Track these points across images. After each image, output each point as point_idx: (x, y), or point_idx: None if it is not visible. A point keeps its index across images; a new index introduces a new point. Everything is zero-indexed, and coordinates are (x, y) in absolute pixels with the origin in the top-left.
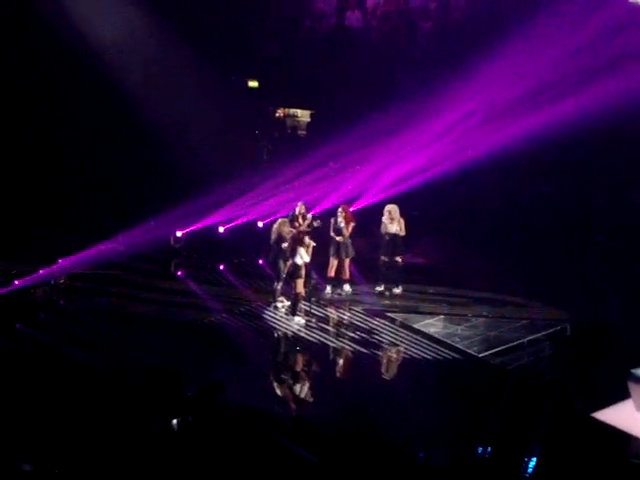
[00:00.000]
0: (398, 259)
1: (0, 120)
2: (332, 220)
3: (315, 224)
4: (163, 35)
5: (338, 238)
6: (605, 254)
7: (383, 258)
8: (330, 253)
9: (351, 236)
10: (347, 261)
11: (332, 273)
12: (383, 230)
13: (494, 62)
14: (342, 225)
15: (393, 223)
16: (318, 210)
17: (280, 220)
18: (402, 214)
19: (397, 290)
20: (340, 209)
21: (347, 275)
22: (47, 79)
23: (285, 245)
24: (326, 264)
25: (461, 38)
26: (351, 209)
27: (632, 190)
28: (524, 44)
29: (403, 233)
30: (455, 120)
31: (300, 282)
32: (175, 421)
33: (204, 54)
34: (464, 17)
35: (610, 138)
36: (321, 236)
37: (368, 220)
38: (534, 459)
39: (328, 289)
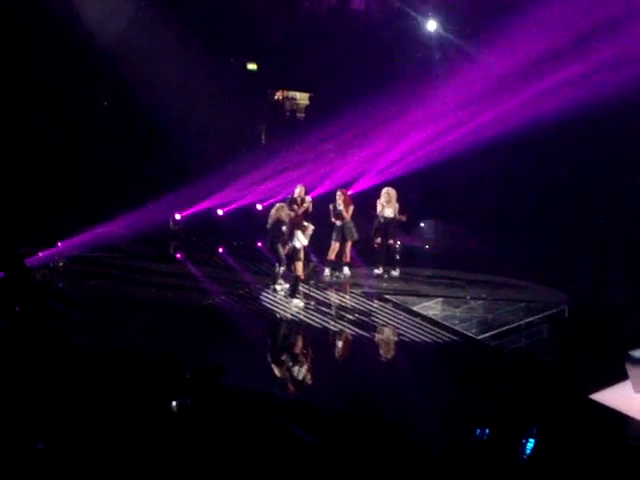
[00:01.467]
0: (391, 242)
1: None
2: (331, 205)
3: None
4: (161, 18)
5: (338, 222)
6: (605, 237)
7: (376, 240)
8: (333, 237)
9: (352, 219)
10: (349, 244)
11: (332, 256)
12: (379, 213)
13: (494, 43)
14: (341, 208)
15: (389, 206)
16: (317, 193)
17: (279, 204)
18: (400, 197)
19: (395, 273)
20: (338, 193)
21: (348, 258)
22: (45, 63)
23: (284, 228)
24: (325, 247)
25: (460, 20)
26: (349, 192)
27: (635, 174)
28: (523, 24)
29: (396, 217)
30: (454, 102)
31: (299, 265)
32: (174, 403)
33: (203, 37)
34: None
35: (616, 123)
36: (320, 219)
37: (367, 203)
38: (532, 441)
39: (327, 272)
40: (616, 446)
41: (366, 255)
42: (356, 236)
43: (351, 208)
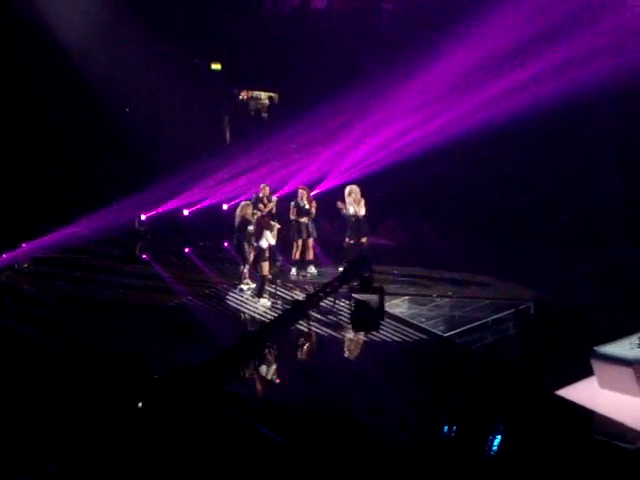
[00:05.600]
0: (364, 240)
1: None
2: (292, 203)
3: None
4: (125, 18)
5: (304, 219)
6: (569, 234)
7: (348, 241)
8: (293, 236)
9: (315, 217)
10: (311, 241)
11: (297, 256)
12: (348, 212)
13: (456, 43)
14: (307, 206)
15: (358, 204)
16: (282, 192)
17: (243, 203)
18: (364, 195)
19: None
20: (301, 190)
21: (311, 256)
22: (8, 64)
23: (251, 228)
24: (290, 246)
25: (423, 19)
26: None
27: (598, 172)
28: (486, 24)
29: (364, 213)
30: (418, 101)
31: (265, 265)
32: (140, 404)
33: (167, 37)
34: None
35: (576, 120)
36: (283, 219)
37: (331, 202)
38: (499, 437)
39: (293, 271)
40: (582, 441)
41: (332, 254)
42: (315, 234)
43: (314, 205)
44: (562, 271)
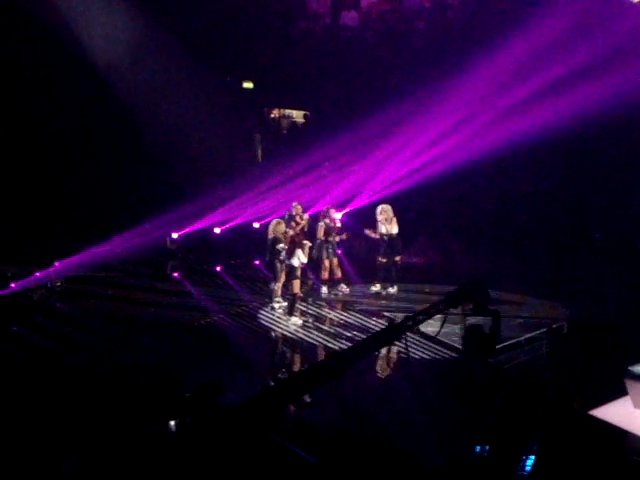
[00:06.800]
0: (397, 259)
1: None
2: (323, 223)
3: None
4: (157, 36)
5: (339, 238)
6: (602, 252)
7: (381, 259)
8: (323, 255)
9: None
10: (336, 261)
11: (326, 275)
12: (381, 231)
13: (489, 61)
14: (339, 225)
15: (390, 223)
16: (314, 210)
17: (275, 220)
18: (396, 214)
19: (392, 290)
20: (331, 210)
21: (339, 274)
22: (43, 79)
23: (282, 246)
24: (320, 265)
25: (455, 37)
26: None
27: (631, 189)
28: (519, 42)
29: (397, 231)
30: (450, 119)
31: (296, 283)
32: (173, 422)
33: (199, 55)
34: (458, 16)
35: (609, 136)
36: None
37: (362, 220)
38: (532, 457)
39: (324, 289)
40: (616, 462)
41: (363, 272)
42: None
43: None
44: (595, 289)
